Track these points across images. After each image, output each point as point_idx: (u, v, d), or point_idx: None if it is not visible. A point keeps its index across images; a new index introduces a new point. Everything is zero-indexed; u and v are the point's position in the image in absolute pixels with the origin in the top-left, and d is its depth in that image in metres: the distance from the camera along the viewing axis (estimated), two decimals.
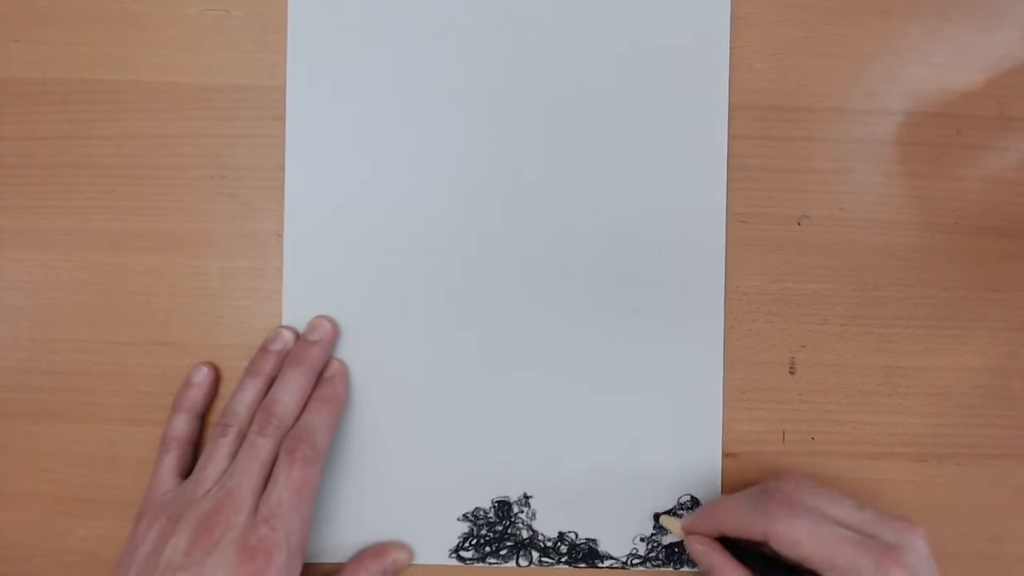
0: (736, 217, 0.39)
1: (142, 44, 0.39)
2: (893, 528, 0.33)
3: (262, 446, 0.35)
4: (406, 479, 0.39)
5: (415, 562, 0.39)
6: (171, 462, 0.37)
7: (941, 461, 0.39)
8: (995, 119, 0.40)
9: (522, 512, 0.39)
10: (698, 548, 0.36)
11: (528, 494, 0.39)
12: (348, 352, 0.39)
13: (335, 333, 0.38)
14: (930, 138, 0.40)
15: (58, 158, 0.39)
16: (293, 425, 0.36)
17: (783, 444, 0.39)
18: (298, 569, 0.34)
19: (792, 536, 0.32)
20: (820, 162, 0.39)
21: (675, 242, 0.39)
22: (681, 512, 0.39)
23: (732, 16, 0.39)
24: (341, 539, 0.38)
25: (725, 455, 0.39)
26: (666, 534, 0.39)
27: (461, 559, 0.39)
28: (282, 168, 0.39)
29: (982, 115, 0.40)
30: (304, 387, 0.37)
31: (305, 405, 0.37)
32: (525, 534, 0.39)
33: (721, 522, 0.35)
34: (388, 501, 0.39)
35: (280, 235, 0.39)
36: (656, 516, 0.39)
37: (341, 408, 0.38)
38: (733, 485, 0.39)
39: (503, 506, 0.39)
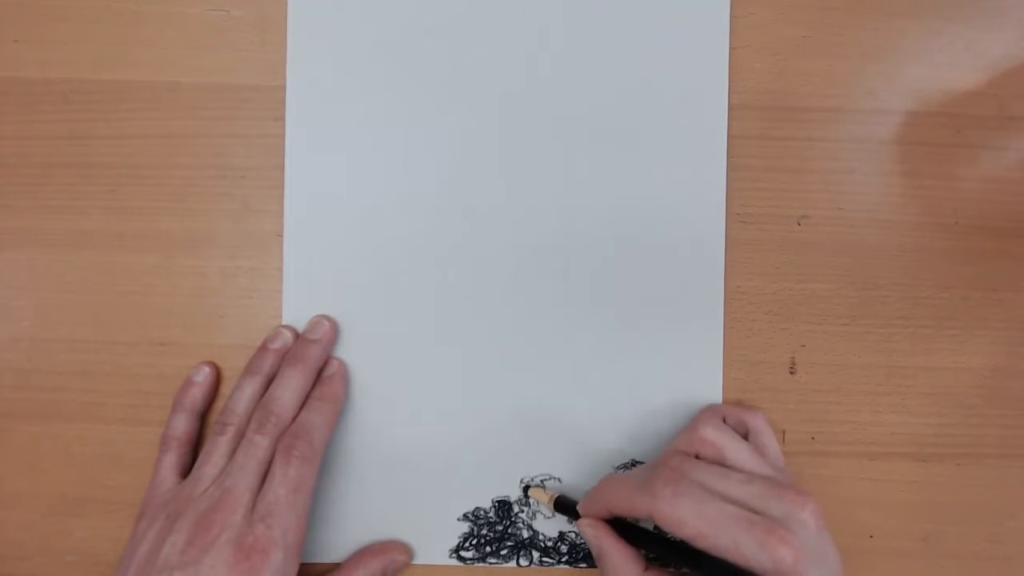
0: (736, 217, 0.39)
1: (142, 44, 0.39)
2: (781, 502, 0.32)
3: (260, 444, 0.35)
4: (406, 479, 0.39)
5: (415, 562, 0.39)
6: (171, 461, 0.37)
7: (941, 461, 0.39)
8: (995, 119, 0.40)
9: (522, 512, 0.39)
10: (588, 531, 0.35)
11: (528, 494, 0.39)
12: (348, 352, 0.39)
13: (334, 332, 0.38)
14: (930, 138, 0.40)
15: (58, 158, 0.39)
16: (291, 423, 0.36)
17: (783, 444, 0.39)
18: (295, 567, 0.34)
19: (676, 516, 0.31)
20: (820, 162, 0.39)
21: (675, 242, 0.39)
22: (548, 482, 0.38)
23: (732, 16, 0.39)
24: (341, 539, 0.38)
25: None
26: (538, 506, 0.39)
27: (461, 559, 0.39)
28: (282, 168, 0.39)
29: (982, 115, 0.40)
30: (303, 386, 0.37)
31: (304, 404, 0.37)
32: (525, 534, 0.39)
33: (610, 503, 0.34)
34: (388, 501, 0.39)
35: (280, 235, 0.39)
36: (525, 489, 0.38)
37: (340, 407, 0.38)
38: None
39: (503, 506, 0.39)
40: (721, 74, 0.39)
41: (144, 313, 0.39)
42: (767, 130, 0.39)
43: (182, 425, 0.37)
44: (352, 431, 0.39)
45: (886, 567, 0.39)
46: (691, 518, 0.31)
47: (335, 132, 0.39)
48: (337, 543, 0.38)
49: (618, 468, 0.39)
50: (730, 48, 0.39)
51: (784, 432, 0.39)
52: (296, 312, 0.39)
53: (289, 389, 0.36)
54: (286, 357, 0.37)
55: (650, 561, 0.34)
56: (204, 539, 0.32)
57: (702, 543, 0.31)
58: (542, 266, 0.39)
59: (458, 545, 0.39)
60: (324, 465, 0.38)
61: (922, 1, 0.39)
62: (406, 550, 0.38)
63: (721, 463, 0.34)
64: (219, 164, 0.39)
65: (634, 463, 0.39)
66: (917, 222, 0.40)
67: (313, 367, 0.37)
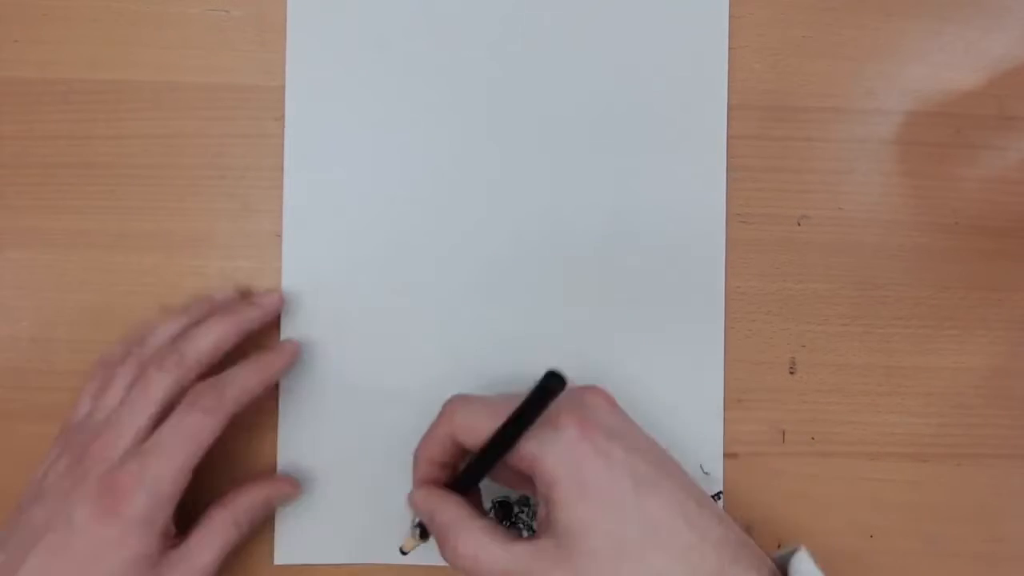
0: (736, 217, 0.39)
1: (142, 44, 0.39)
2: (568, 396, 0.31)
3: (154, 380, 0.33)
4: (407, 480, 0.39)
5: (416, 562, 0.38)
6: (92, 388, 0.35)
7: (941, 461, 0.39)
8: (995, 119, 0.40)
9: (522, 512, 0.39)
10: (416, 499, 0.33)
11: (528, 494, 0.39)
12: (348, 351, 0.39)
13: (278, 306, 0.38)
14: (930, 138, 0.40)
15: (58, 158, 0.39)
16: (197, 373, 0.34)
17: (783, 444, 0.39)
18: (163, 520, 0.32)
19: (472, 422, 0.32)
20: (820, 162, 0.39)
21: (675, 242, 0.39)
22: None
23: (731, 16, 0.39)
24: (341, 538, 0.38)
25: (725, 455, 0.39)
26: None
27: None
28: (282, 168, 0.39)
29: (982, 115, 0.40)
30: (223, 337, 0.35)
31: (227, 371, 0.35)
32: (525, 534, 0.39)
33: (423, 453, 0.33)
34: (388, 501, 0.39)
35: (280, 235, 0.39)
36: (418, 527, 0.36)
37: (271, 377, 0.36)
38: (734, 485, 0.39)
39: (503, 506, 0.39)
40: (720, 74, 0.39)
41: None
42: (766, 130, 0.39)
43: (116, 355, 0.36)
44: (353, 432, 0.39)
45: (886, 567, 0.39)
46: (484, 416, 0.31)
47: (335, 132, 0.39)
48: (337, 542, 0.38)
49: None
50: (729, 48, 0.39)
51: (784, 432, 0.39)
52: (295, 312, 0.39)
53: (207, 334, 0.35)
54: (220, 308, 0.37)
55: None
56: (77, 471, 0.32)
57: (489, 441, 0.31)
58: (542, 266, 0.39)
59: None
60: (325, 464, 0.38)
61: (922, 1, 0.40)
62: (295, 483, 0.37)
63: None
64: (219, 164, 0.39)
65: None
66: (917, 222, 0.40)
67: (241, 325, 0.36)
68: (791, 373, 0.39)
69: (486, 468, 0.32)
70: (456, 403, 0.33)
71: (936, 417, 0.39)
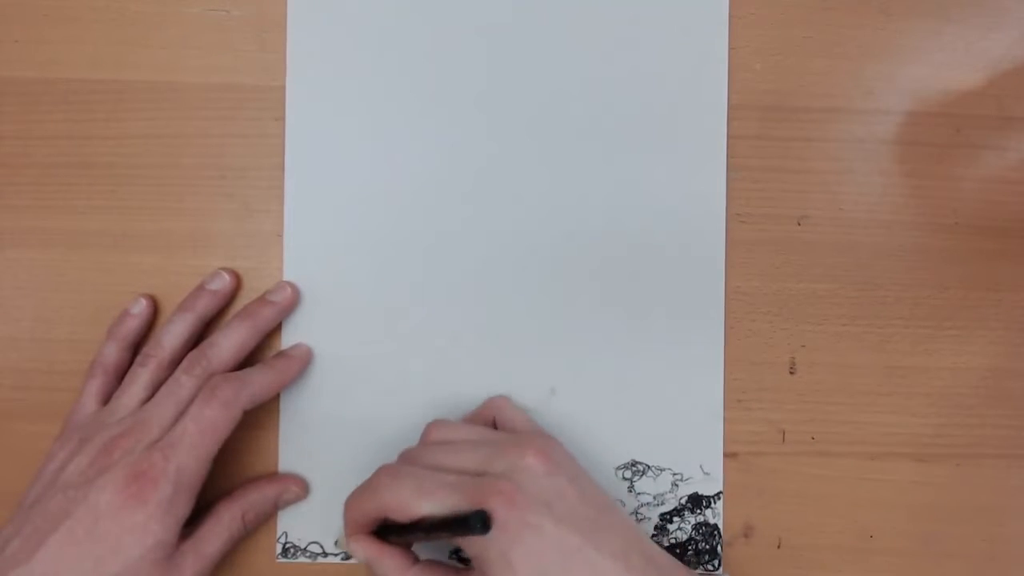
0: (736, 217, 0.39)
1: (142, 44, 0.39)
2: (504, 457, 0.32)
3: (184, 385, 0.35)
4: None
5: None
6: (95, 387, 0.37)
7: (941, 461, 0.39)
8: (995, 119, 0.40)
9: None
10: (353, 547, 0.34)
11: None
12: (349, 352, 0.39)
13: (294, 300, 0.38)
14: (930, 138, 0.40)
15: (58, 158, 0.39)
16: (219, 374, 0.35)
17: (783, 444, 0.39)
18: (184, 510, 0.33)
19: (397, 501, 0.32)
20: (820, 162, 0.39)
21: (675, 242, 0.39)
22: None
23: (731, 16, 0.39)
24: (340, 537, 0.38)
25: (725, 455, 0.39)
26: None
27: (461, 560, 0.39)
28: (282, 168, 0.39)
29: (982, 115, 0.40)
30: (244, 341, 0.36)
31: (243, 364, 0.37)
32: None
33: (350, 517, 0.34)
34: None
35: (280, 235, 0.39)
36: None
37: (284, 383, 0.37)
38: (734, 485, 0.39)
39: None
40: (720, 74, 0.39)
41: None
42: (766, 130, 0.39)
43: (111, 353, 0.37)
44: (354, 432, 0.39)
45: (886, 567, 0.39)
46: (411, 497, 0.31)
47: (335, 132, 0.39)
48: (333, 542, 0.38)
49: (618, 468, 0.39)
50: (730, 48, 0.39)
51: (784, 432, 0.39)
52: (296, 312, 0.39)
53: (229, 340, 0.36)
54: (239, 312, 0.37)
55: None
56: (103, 462, 0.33)
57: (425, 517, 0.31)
58: (542, 267, 0.39)
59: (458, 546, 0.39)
60: (326, 463, 0.38)
61: (922, 1, 0.40)
62: (303, 484, 0.38)
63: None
64: (219, 164, 0.39)
65: (634, 463, 0.39)
66: (917, 222, 0.40)
67: (262, 327, 0.37)
68: (791, 373, 0.39)
69: (409, 544, 0.33)
70: (383, 477, 0.33)
71: (936, 417, 0.39)
